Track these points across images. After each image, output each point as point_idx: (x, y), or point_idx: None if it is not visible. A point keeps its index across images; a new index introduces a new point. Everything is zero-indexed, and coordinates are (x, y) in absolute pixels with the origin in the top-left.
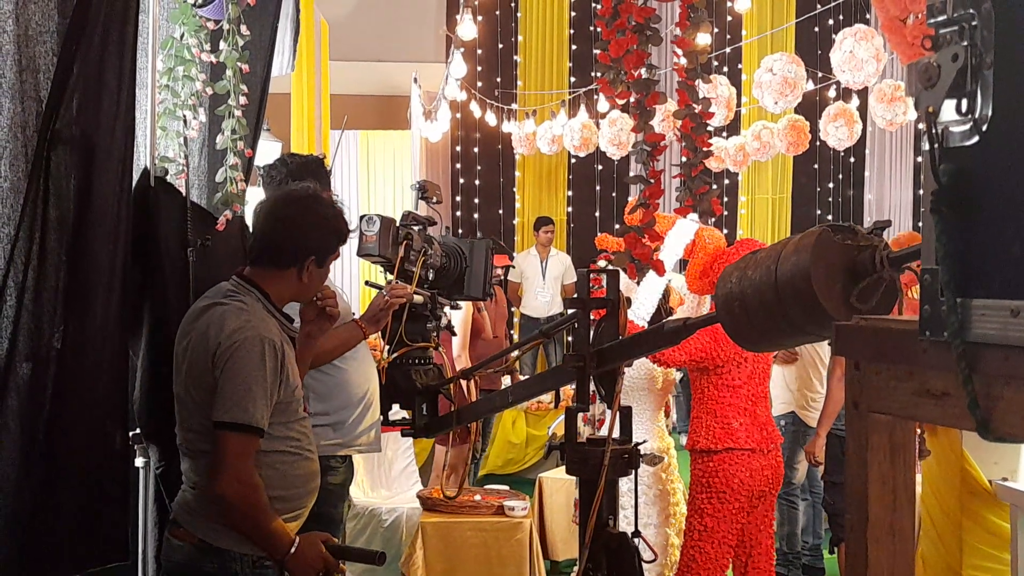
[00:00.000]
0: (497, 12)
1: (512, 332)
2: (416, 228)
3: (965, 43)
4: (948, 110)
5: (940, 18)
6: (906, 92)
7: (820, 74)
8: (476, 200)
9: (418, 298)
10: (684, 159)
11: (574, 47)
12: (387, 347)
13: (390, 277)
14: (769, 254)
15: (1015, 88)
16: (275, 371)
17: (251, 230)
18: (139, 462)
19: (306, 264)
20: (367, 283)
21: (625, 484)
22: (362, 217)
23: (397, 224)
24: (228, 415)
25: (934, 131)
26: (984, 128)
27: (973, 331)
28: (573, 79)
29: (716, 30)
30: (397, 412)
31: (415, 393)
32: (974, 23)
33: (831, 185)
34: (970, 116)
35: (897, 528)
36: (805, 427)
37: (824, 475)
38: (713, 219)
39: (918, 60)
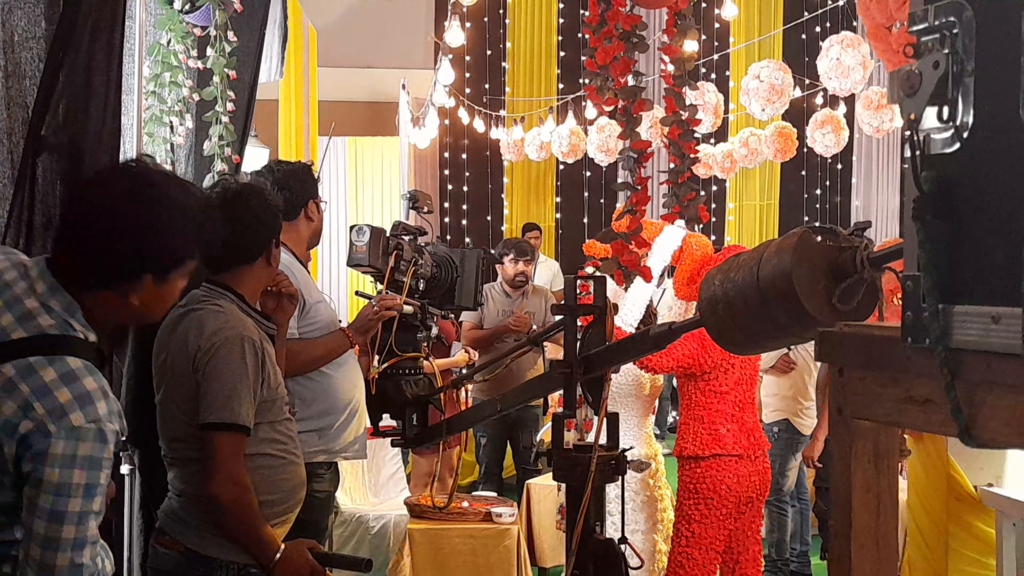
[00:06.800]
0: (485, 19)
1: None
2: (406, 238)
3: (946, 51)
4: (930, 117)
5: (921, 26)
6: (888, 99)
7: (807, 81)
8: (464, 206)
9: (408, 308)
10: (671, 166)
11: (562, 54)
12: (377, 357)
13: (380, 287)
14: (752, 256)
15: (996, 95)
16: (256, 369)
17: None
18: (124, 469)
19: (271, 248)
20: (357, 293)
21: (612, 490)
22: (352, 227)
23: (387, 234)
24: (215, 416)
25: (916, 138)
26: (965, 135)
27: (955, 337)
28: (561, 86)
29: (703, 37)
30: (387, 422)
31: (405, 404)
32: (955, 31)
33: (818, 192)
34: (951, 123)
35: (881, 534)
36: (798, 434)
37: (817, 481)
38: (700, 226)
39: (900, 67)
